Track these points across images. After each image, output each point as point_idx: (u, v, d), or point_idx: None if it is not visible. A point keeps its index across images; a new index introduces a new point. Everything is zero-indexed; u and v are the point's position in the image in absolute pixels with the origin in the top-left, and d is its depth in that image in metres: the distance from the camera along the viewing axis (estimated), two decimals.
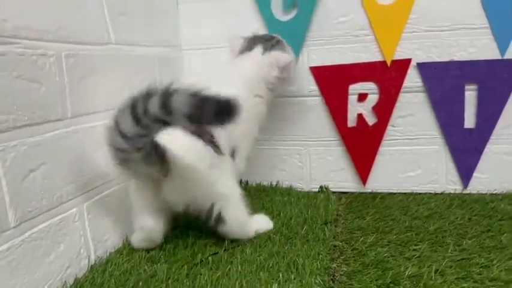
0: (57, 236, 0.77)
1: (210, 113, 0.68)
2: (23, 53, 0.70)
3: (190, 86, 0.68)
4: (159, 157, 0.81)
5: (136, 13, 1.07)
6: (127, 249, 0.92)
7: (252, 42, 1.07)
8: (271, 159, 1.31)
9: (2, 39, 0.66)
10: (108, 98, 0.91)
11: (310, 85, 1.22)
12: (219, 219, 0.91)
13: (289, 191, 1.26)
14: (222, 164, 0.92)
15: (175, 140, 0.84)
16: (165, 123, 0.71)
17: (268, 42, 1.06)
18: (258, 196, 1.22)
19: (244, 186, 1.32)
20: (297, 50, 1.20)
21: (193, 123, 0.71)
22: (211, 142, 0.89)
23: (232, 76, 1.03)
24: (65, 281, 0.78)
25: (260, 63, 1.04)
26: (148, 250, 0.91)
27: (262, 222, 1.00)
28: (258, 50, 1.05)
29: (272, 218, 1.04)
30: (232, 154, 0.98)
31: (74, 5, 0.84)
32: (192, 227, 1.01)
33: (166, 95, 0.67)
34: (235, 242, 0.94)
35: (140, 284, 0.77)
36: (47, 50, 0.76)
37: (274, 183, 1.31)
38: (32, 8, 0.73)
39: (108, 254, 0.90)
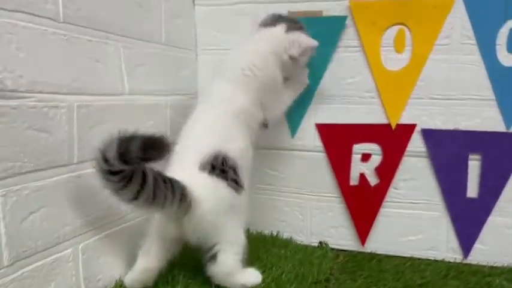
0: (49, 275, 0.81)
1: (136, 150, 0.74)
2: (35, 106, 0.77)
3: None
4: (179, 196, 0.85)
5: (155, 64, 1.14)
6: None
7: (276, 19, 1.09)
8: (273, 209, 1.33)
9: (16, 95, 0.73)
10: None
11: (316, 141, 1.25)
12: (213, 257, 0.95)
13: (288, 243, 1.27)
14: (239, 206, 0.97)
15: (197, 182, 0.90)
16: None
17: (293, 23, 1.08)
18: (256, 246, 1.23)
19: (246, 232, 1.33)
20: (306, 105, 1.24)
21: (128, 164, 0.75)
22: (234, 179, 0.95)
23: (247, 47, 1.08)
24: None
25: (281, 38, 1.05)
26: None
27: (250, 277, 1.01)
28: (282, 26, 1.07)
29: (264, 272, 1.05)
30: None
31: (91, 58, 0.91)
32: (185, 271, 1.04)
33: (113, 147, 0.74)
34: None
35: None
36: (60, 102, 0.82)
37: (274, 233, 1.32)
38: (48, 63, 0.80)
39: None
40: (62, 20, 0.83)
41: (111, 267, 0.98)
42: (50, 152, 0.80)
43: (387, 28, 1.15)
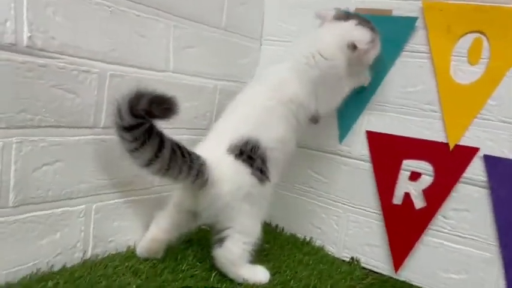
0: (56, 224, 0.87)
1: (144, 103, 0.76)
2: (64, 67, 0.82)
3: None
4: (196, 173, 0.87)
5: (208, 47, 1.14)
6: (127, 255, 0.99)
7: (348, 16, 1.05)
8: (311, 214, 1.26)
9: (45, 54, 0.79)
10: None
11: (363, 149, 1.15)
12: (221, 241, 0.94)
13: (318, 251, 1.20)
14: (259, 197, 0.96)
15: (221, 162, 0.91)
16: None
17: (365, 22, 1.03)
18: (283, 248, 1.19)
19: (280, 232, 1.30)
20: (360, 110, 1.15)
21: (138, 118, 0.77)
22: (260, 168, 0.94)
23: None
24: (52, 265, 0.87)
25: (350, 33, 1.01)
26: (144, 261, 0.97)
27: (256, 274, 0.97)
28: (352, 22, 1.03)
29: (275, 273, 1.01)
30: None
31: (136, 32, 0.95)
32: (197, 253, 1.04)
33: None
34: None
35: None
36: (92, 68, 0.87)
37: (308, 239, 1.26)
38: (85, 31, 0.85)
39: (107, 254, 0.98)
40: None
41: (126, 232, 1.02)
42: (75, 112, 0.86)
43: (462, 35, 1.01)
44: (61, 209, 0.87)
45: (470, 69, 1.01)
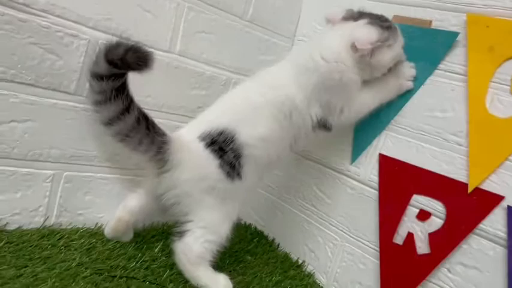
0: (17, 184, 0.86)
1: (120, 53, 0.76)
2: (49, 27, 0.81)
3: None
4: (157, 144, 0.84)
5: (225, 36, 1.08)
6: (93, 232, 0.96)
7: (360, 15, 0.93)
8: (307, 234, 1.14)
9: (26, 9, 0.77)
10: (135, 92, 0.90)
11: (372, 173, 1.01)
12: (181, 234, 0.88)
13: (306, 278, 1.07)
14: (226, 193, 0.89)
15: (189, 146, 0.87)
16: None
17: (379, 20, 0.90)
18: (268, 264, 1.08)
19: (274, 247, 1.19)
20: (377, 129, 1.01)
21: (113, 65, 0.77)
22: (230, 163, 0.87)
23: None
24: (6, 223, 0.86)
25: (353, 32, 0.88)
26: (107, 242, 0.94)
27: (216, 282, 0.88)
28: (363, 21, 0.91)
29: (244, 286, 0.92)
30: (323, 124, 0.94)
31: (140, 6, 0.92)
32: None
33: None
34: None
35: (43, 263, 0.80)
36: (81, 33, 0.85)
37: (300, 261, 1.13)
38: None
39: (71, 226, 0.95)
40: None
41: (99, 209, 0.99)
42: (54, 74, 0.84)
43: (507, 59, 0.84)
44: (26, 169, 0.86)
45: (510, 101, 0.83)
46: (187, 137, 0.88)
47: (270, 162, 0.93)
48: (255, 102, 0.90)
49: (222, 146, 0.86)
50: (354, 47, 0.86)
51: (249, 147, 0.88)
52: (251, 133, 0.88)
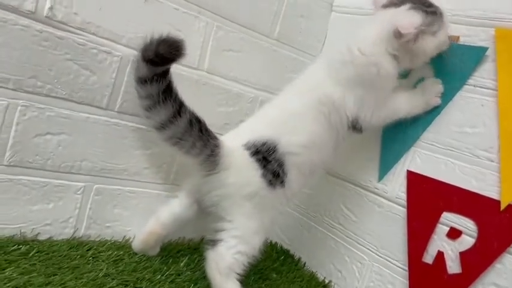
0: (50, 195, 0.88)
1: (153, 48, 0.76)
2: (84, 44, 0.85)
3: None
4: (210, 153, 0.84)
5: (253, 54, 1.10)
6: (120, 245, 0.97)
7: (402, 1, 0.89)
8: (334, 253, 1.12)
9: (64, 27, 0.82)
10: None
11: (400, 191, 0.99)
12: (214, 243, 0.87)
13: None
14: (267, 201, 0.89)
15: (236, 152, 0.87)
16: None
17: (423, 5, 0.87)
18: (293, 283, 1.06)
19: (300, 267, 1.17)
20: (405, 145, 1.00)
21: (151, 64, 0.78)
22: (274, 172, 0.87)
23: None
24: (38, 233, 0.89)
25: (395, 18, 0.85)
26: (134, 255, 0.95)
27: None
28: (405, 6, 0.87)
29: None
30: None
31: (171, 25, 0.95)
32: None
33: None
34: None
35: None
36: (114, 51, 0.89)
37: (327, 281, 1.11)
38: (112, 13, 0.87)
39: (100, 238, 0.97)
40: None
41: (127, 222, 1.01)
42: (88, 89, 0.87)
43: None
44: (59, 181, 0.89)
45: None
46: (233, 143, 0.89)
47: (314, 169, 0.93)
48: (294, 108, 0.90)
49: (265, 156, 0.87)
50: (397, 33, 0.84)
51: (292, 155, 0.88)
52: (293, 141, 0.88)
